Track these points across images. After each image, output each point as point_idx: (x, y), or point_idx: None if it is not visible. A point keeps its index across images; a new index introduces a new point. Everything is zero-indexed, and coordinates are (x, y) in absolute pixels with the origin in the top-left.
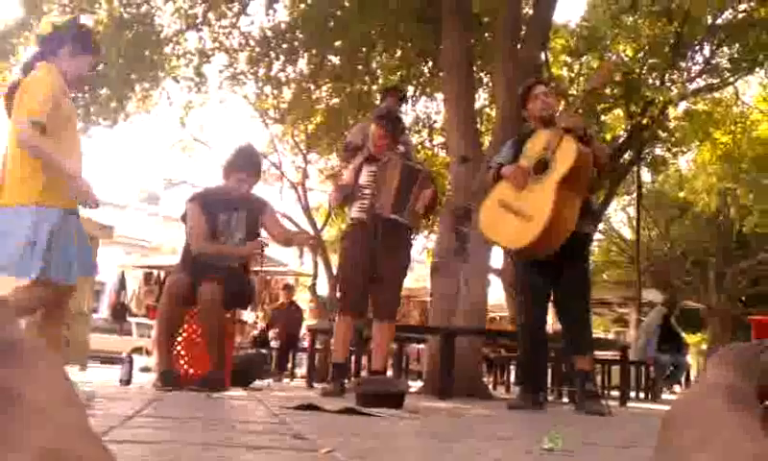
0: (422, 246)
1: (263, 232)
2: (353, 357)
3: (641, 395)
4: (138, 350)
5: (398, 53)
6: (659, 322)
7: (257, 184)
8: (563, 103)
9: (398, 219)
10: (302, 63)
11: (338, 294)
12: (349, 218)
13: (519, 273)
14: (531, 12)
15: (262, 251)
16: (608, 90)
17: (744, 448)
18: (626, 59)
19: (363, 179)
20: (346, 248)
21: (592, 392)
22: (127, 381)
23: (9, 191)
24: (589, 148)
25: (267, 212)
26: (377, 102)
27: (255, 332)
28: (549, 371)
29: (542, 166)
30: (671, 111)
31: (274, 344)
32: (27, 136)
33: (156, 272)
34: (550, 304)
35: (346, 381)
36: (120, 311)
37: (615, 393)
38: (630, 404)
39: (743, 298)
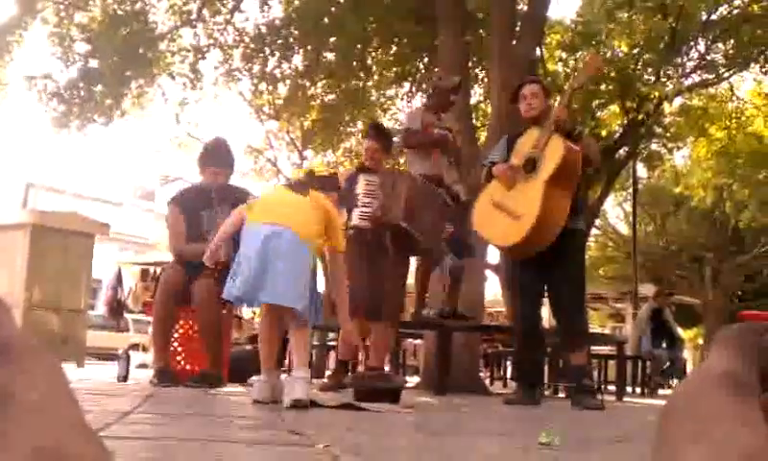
0: None
1: None
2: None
3: (638, 390)
4: (135, 346)
5: (394, 49)
6: (647, 316)
7: (233, 176)
8: (557, 99)
9: (411, 232)
10: (298, 60)
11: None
12: (351, 227)
13: (512, 269)
14: (525, 8)
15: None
16: (603, 86)
17: (740, 439)
18: (621, 54)
19: (361, 188)
20: (346, 260)
21: (588, 387)
22: (124, 378)
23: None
24: (578, 145)
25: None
26: (373, 98)
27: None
28: (546, 366)
29: (532, 164)
30: (666, 107)
31: None
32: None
33: (152, 268)
34: (545, 300)
35: (344, 378)
36: (117, 308)
37: (612, 388)
38: (626, 399)
39: (739, 293)
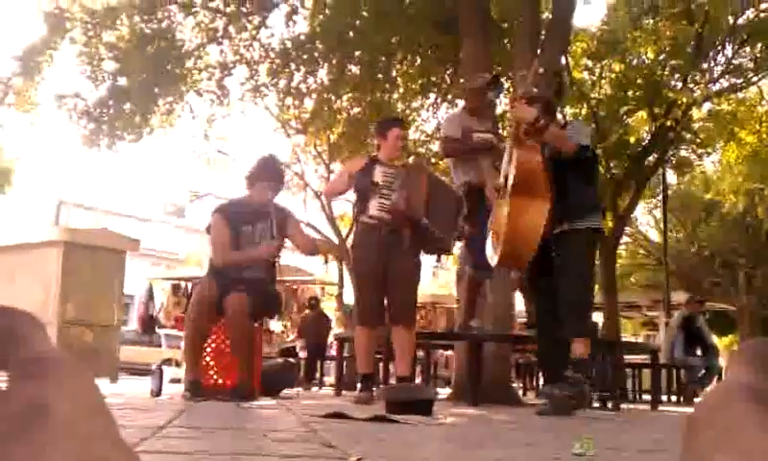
0: None
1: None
2: (381, 364)
3: (673, 398)
4: (168, 361)
5: (418, 61)
6: (679, 324)
7: (280, 193)
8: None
9: (432, 229)
10: (323, 74)
11: (355, 304)
12: (366, 218)
13: (525, 276)
14: (550, 16)
15: (279, 249)
16: (630, 93)
17: (766, 446)
18: (647, 61)
19: (378, 178)
20: (358, 259)
21: (572, 380)
22: (157, 392)
23: None
24: (544, 135)
25: (290, 222)
26: (398, 110)
27: (296, 341)
28: None
29: (505, 181)
30: (695, 113)
31: (301, 354)
32: None
33: (183, 283)
34: None
35: (374, 390)
36: (149, 323)
37: (647, 396)
38: (661, 408)
39: None
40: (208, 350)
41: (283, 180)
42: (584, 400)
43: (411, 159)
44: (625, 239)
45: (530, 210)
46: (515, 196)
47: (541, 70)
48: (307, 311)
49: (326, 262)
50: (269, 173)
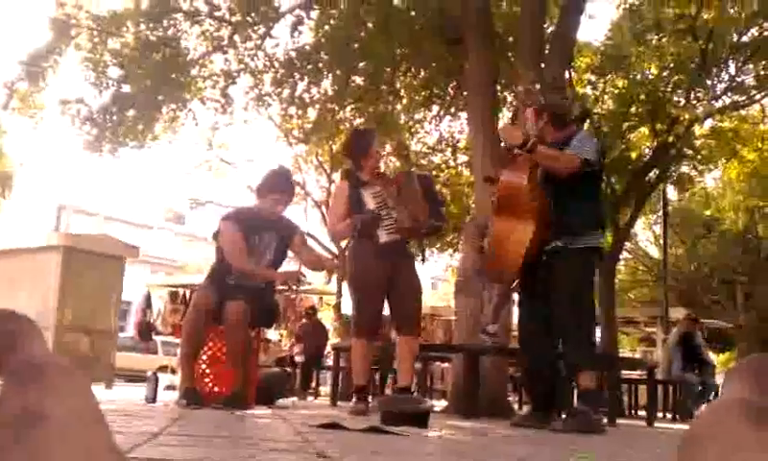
0: (447, 264)
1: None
2: (378, 375)
3: (668, 415)
4: (164, 368)
5: (422, 73)
6: (676, 341)
7: (290, 205)
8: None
9: (437, 225)
10: (327, 84)
11: (353, 315)
12: (380, 242)
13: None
14: (555, 29)
15: (299, 283)
16: (633, 109)
17: None
18: (651, 76)
19: (371, 203)
20: (359, 270)
21: (581, 411)
22: (152, 399)
23: None
24: (534, 156)
25: (296, 236)
26: (401, 121)
27: (294, 346)
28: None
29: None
30: (697, 129)
31: (298, 358)
32: None
33: (181, 291)
34: None
35: (370, 400)
36: (146, 330)
37: (643, 412)
38: (657, 425)
39: None
40: (204, 357)
41: (294, 191)
42: (593, 430)
43: (414, 170)
44: (624, 255)
45: (512, 231)
46: (498, 215)
47: (537, 86)
48: (304, 320)
49: (329, 281)
50: (281, 186)
